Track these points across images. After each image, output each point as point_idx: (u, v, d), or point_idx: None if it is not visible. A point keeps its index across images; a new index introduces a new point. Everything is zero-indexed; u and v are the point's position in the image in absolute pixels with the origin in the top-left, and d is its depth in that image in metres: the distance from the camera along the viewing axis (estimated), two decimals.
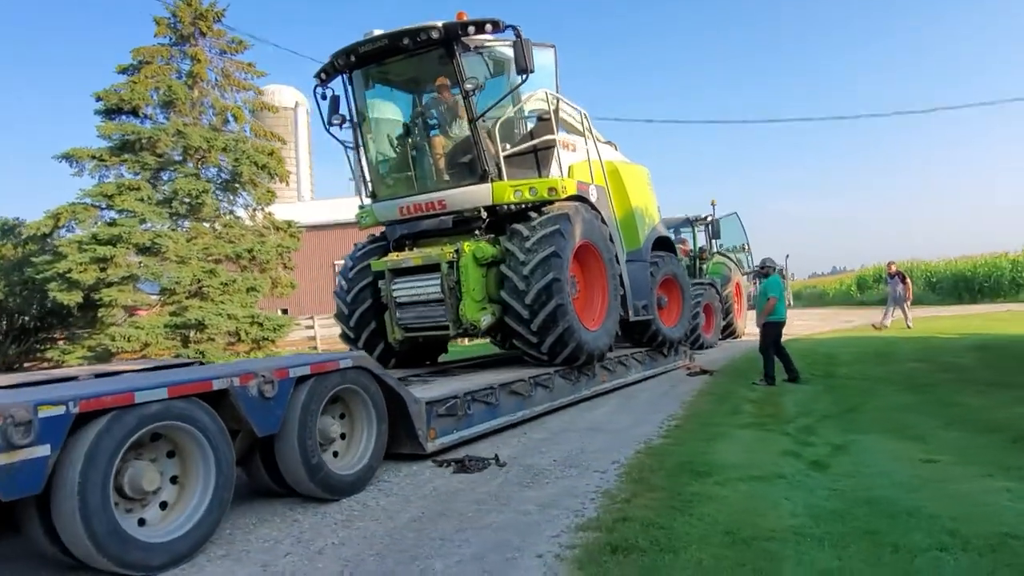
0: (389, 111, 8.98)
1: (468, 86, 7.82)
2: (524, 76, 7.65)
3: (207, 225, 20.98)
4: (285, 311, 25.87)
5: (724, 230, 17.53)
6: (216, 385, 4.08)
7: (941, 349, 12.89)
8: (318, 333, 24.28)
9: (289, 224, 23.30)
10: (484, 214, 8.27)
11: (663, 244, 11.52)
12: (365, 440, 5.24)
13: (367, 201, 9.64)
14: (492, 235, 8.35)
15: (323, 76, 8.75)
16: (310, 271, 33.34)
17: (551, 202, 8.29)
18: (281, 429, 4.51)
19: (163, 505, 3.94)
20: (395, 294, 8.39)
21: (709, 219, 17.61)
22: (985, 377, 9.77)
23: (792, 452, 5.95)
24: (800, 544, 3.81)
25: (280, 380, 4.48)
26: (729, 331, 16.78)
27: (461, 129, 8.35)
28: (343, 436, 5.21)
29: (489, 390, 6.74)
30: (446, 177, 8.39)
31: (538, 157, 8.41)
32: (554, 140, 8.37)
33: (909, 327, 17.66)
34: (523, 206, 8.27)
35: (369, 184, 9.08)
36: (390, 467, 5.68)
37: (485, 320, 7.95)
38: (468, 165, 8.25)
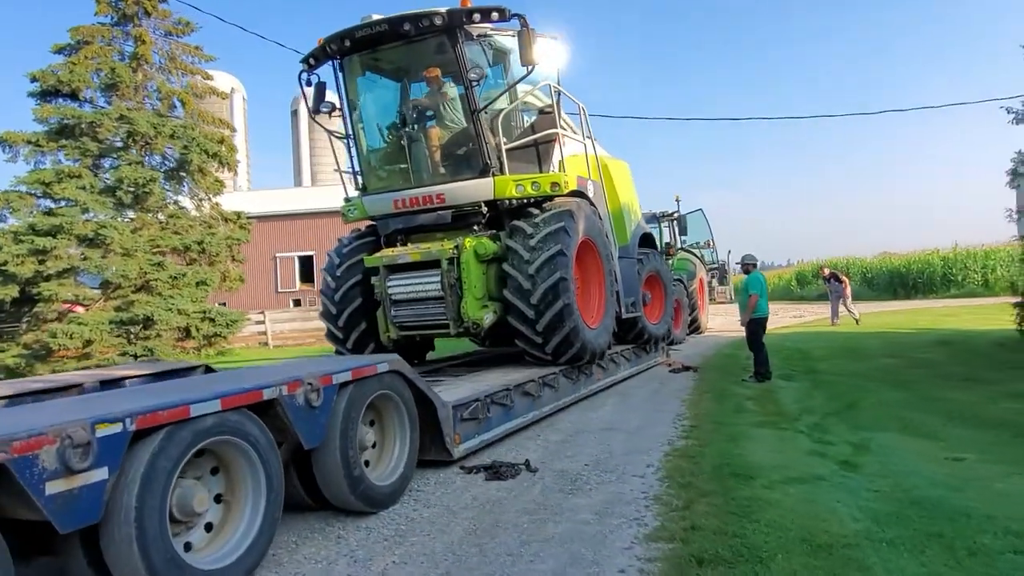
0: (381, 100, 8.62)
1: (472, 76, 7.55)
2: (530, 68, 7.42)
3: (152, 216, 19.96)
4: (223, 305, 24.88)
5: (689, 226, 17.71)
6: (266, 395, 3.75)
7: (906, 345, 13.32)
8: (269, 329, 23.44)
9: (238, 215, 22.47)
10: (484, 209, 8.02)
11: (646, 241, 11.49)
12: (399, 448, 4.96)
13: (353, 194, 9.25)
14: (492, 231, 8.09)
15: (311, 61, 8.32)
16: (249, 264, 32.28)
17: (551, 197, 8.10)
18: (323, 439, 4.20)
19: (208, 527, 3.60)
20: (391, 291, 8.04)
21: (676, 215, 17.75)
22: (958, 372, 10.11)
23: (816, 452, 5.95)
24: (878, 550, 3.76)
25: (324, 387, 4.16)
26: (694, 326, 16.96)
27: (460, 121, 8.07)
28: (373, 445, 4.91)
29: (505, 392, 6.52)
30: (444, 170, 8.10)
31: (539, 151, 8.21)
32: (556, 134, 8.18)
33: (857, 321, 18.28)
34: (524, 201, 8.06)
35: (359, 176, 8.68)
36: (416, 475, 5.40)
37: (488, 318, 7.71)
38: (468, 158, 7.98)
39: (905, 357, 11.71)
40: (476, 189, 7.90)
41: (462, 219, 8.11)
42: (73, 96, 19.58)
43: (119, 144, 19.75)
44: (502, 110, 7.90)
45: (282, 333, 23.71)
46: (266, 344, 23.24)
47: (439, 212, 8.04)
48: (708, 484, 4.94)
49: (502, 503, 4.76)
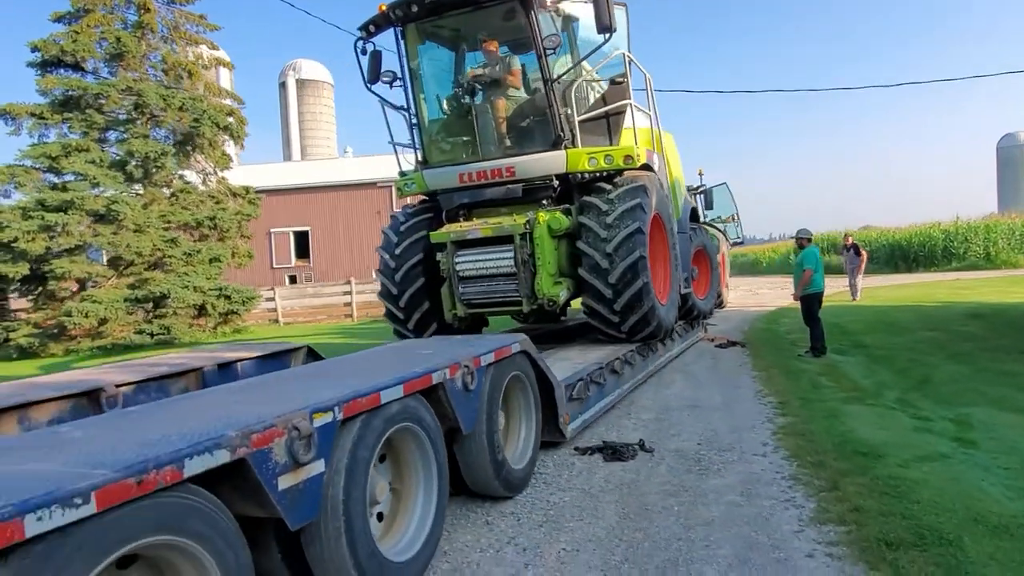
0: (444, 70, 8.34)
1: (547, 44, 7.30)
2: (608, 35, 7.18)
3: (161, 191, 19.50)
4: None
5: (715, 200, 17.55)
6: (434, 379, 3.58)
7: (939, 318, 13.34)
8: (279, 305, 23.11)
9: (247, 190, 22.06)
10: (555, 183, 7.82)
11: (692, 215, 11.36)
12: (524, 431, 4.82)
13: (408, 167, 9.00)
14: (564, 205, 7.90)
15: (371, 28, 8.02)
16: None
17: (621, 171, 7.91)
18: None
19: (378, 517, 3.44)
20: (458, 268, 7.84)
21: (701, 189, 17.58)
22: (1007, 345, 10.10)
23: (922, 428, 5.89)
24: None
25: (476, 369, 4.00)
26: (718, 301, 16.91)
27: (529, 91, 7.83)
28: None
29: (599, 369, 6.39)
30: (514, 143, 7.87)
31: (610, 123, 8.00)
32: (628, 105, 7.96)
33: (854, 299, 18.09)
34: (595, 175, 7.86)
35: (418, 149, 8.42)
36: None
37: (563, 295, 7.56)
38: (540, 130, 7.76)
39: (945, 330, 11.71)
40: (548, 162, 7.69)
41: (530, 193, 7.90)
42: (75, 67, 18.98)
43: (124, 117, 19.24)
44: (574, 80, 7.67)
45: (292, 310, 23.39)
46: (276, 321, 22.93)
47: (509, 186, 7.83)
48: (840, 463, 4.85)
49: (637, 485, 4.64)
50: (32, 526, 1.70)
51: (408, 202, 10.15)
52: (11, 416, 3.39)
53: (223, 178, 21.77)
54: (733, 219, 18.25)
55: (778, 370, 8.69)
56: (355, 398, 2.94)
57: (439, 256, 8.01)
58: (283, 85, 71.05)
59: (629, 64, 8.10)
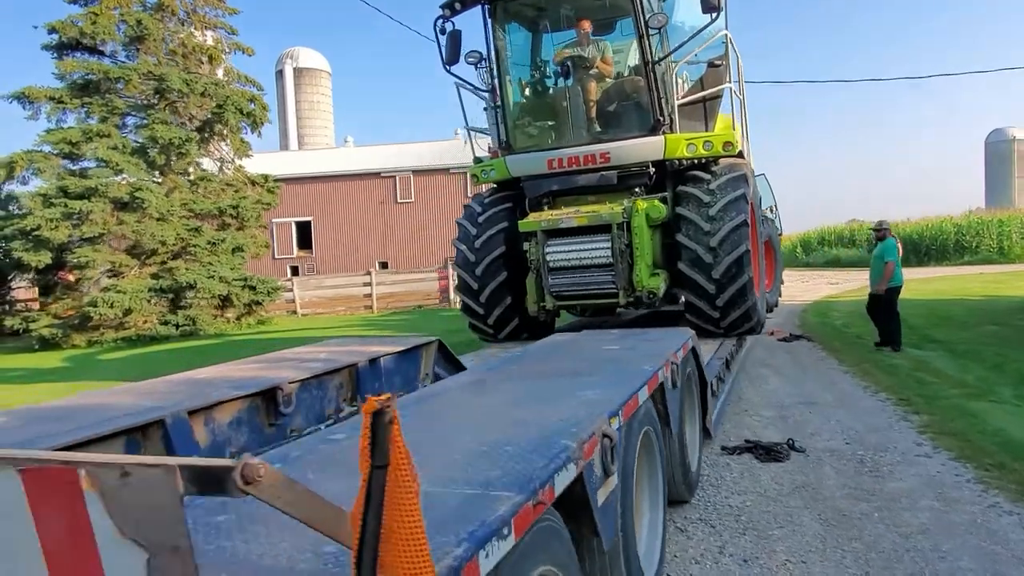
0: (532, 51, 8.00)
1: (653, 23, 6.97)
2: (715, 15, 6.87)
3: (183, 178, 19.03)
4: None
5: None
6: (659, 377, 3.28)
7: (991, 312, 13.19)
8: (297, 296, 22.71)
9: (266, 178, 21.61)
10: (652, 170, 7.51)
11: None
12: (689, 430, 4.51)
13: (482, 153, 8.67)
14: (659, 194, 7.59)
15: (456, 6, 7.66)
16: None
17: (716, 159, 7.61)
18: None
19: None
20: (549, 258, 7.50)
21: None
22: None
23: None
24: None
25: (678, 365, 3.70)
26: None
27: (623, 73, 7.51)
28: None
29: (723, 363, 6.11)
30: (609, 127, 7.55)
31: (706, 107, 7.69)
32: (726, 90, 7.67)
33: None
34: (690, 162, 7.56)
35: (501, 134, 8.08)
36: None
37: (662, 288, 7.27)
38: (638, 114, 7.44)
39: (1007, 325, 11.54)
40: (645, 148, 7.37)
41: (623, 180, 7.59)
42: (92, 50, 18.44)
43: (144, 102, 18.72)
44: (676, 62, 7.36)
45: (310, 301, 22.99)
46: (294, 313, 22.53)
47: (603, 172, 7.50)
48: (1020, 464, 4.60)
49: (814, 488, 4.37)
50: (484, 564, 1.39)
51: (480, 190, 9.81)
52: (196, 418, 3.06)
53: (240, 166, 21.31)
54: (771, 210, 18.07)
55: (869, 365, 8.44)
56: (627, 401, 2.64)
57: (526, 246, 7.67)
58: (280, 73, 70.18)
59: (730, 46, 7.79)
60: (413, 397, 3.05)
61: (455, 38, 8.01)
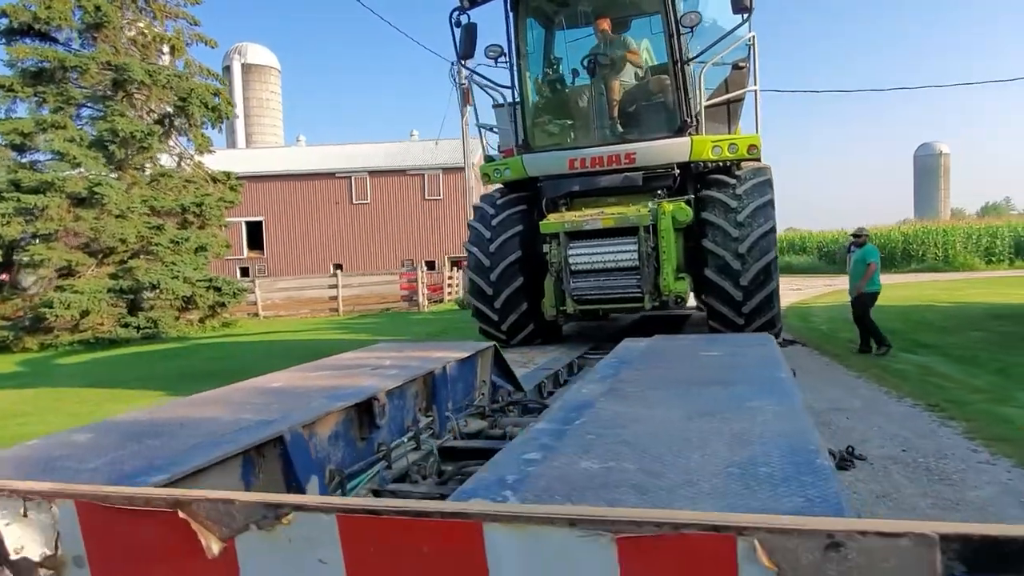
0: (555, 48, 7.79)
1: (685, 22, 6.86)
2: (746, 15, 6.81)
3: (143, 173, 18.14)
4: None
5: None
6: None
7: (965, 318, 13.56)
8: (259, 298, 21.90)
9: (228, 175, 20.80)
10: (676, 171, 7.39)
11: None
12: None
13: (493, 152, 8.42)
14: (684, 197, 7.47)
15: None
16: None
17: (738, 162, 7.54)
18: None
19: None
20: (572, 260, 7.30)
21: None
22: None
23: None
24: None
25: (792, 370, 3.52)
26: None
27: (651, 73, 7.38)
28: None
29: None
30: (635, 128, 7.40)
31: (729, 109, 7.62)
32: (751, 92, 7.61)
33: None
34: (714, 165, 7.47)
35: (520, 132, 7.84)
36: None
37: (689, 292, 7.15)
38: (665, 115, 7.31)
39: (989, 331, 11.84)
40: (671, 149, 7.26)
41: (647, 182, 7.45)
42: (46, 36, 17.40)
43: (100, 93, 17.76)
44: (704, 63, 7.26)
45: (272, 303, 22.21)
46: (256, 315, 21.72)
47: (628, 173, 7.35)
48: None
49: (894, 498, 4.26)
50: None
51: (487, 190, 9.54)
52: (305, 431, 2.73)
53: (200, 162, 20.46)
54: None
55: (878, 370, 8.47)
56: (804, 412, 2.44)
57: (546, 248, 7.46)
58: (227, 69, 68.14)
59: (751, 48, 7.74)
60: (563, 414, 2.74)
61: (470, 31, 7.75)
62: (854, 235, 10.76)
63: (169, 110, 18.68)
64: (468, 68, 7.87)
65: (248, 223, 43.67)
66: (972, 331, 11.88)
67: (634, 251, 7.07)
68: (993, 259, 31.64)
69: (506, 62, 7.71)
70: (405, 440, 3.55)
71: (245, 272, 40.59)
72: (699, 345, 4.34)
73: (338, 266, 42.03)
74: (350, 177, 44.24)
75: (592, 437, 2.21)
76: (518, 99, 7.75)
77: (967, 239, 32.23)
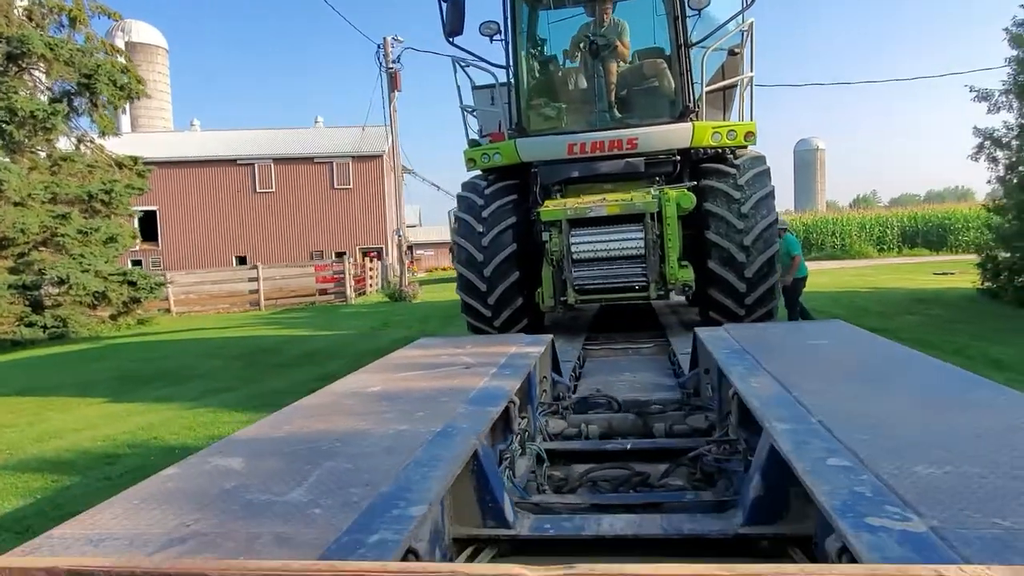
0: (556, 26, 7.49)
1: (693, 5, 6.73)
2: (751, 1, 6.77)
3: (41, 157, 16.47)
4: None
5: None
6: None
7: (894, 302, 14.36)
8: (171, 294, 20.42)
9: (135, 160, 19.23)
10: (677, 157, 7.28)
11: None
12: None
13: (477, 136, 8.05)
14: (684, 183, 7.37)
15: None
16: None
17: (734, 149, 7.52)
18: None
19: None
20: (574, 249, 7.03)
21: None
22: (995, 326, 10.99)
23: None
24: None
25: None
26: None
27: (653, 56, 7.23)
28: None
29: None
30: (637, 112, 7.22)
31: (725, 96, 7.59)
32: (746, 79, 7.59)
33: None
34: (717, 152, 7.41)
35: (514, 115, 7.51)
36: None
37: (693, 280, 7.07)
38: (667, 99, 7.18)
39: (922, 314, 12.56)
40: (673, 135, 7.12)
41: (648, 168, 7.30)
42: None
43: None
44: (708, 48, 7.16)
45: (186, 298, 20.77)
46: (168, 311, 20.24)
47: (629, 159, 7.16)
48: None
49: None
50: None
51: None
52: None
53: (101, 146, 18.82)
54: None
55: None
56: None
57: (545, 236, 7.15)
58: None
59: (745, 35, 7.71)
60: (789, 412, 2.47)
61: (458, 6, 7.34)
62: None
63: (69, 88, 17.02)
64: (456, 45, 7.45)
65: (140, 212, 40.89)
66: (907, 315, 12.55)
67: (640, 239, 6.89)
68: (884, 247, 33.98)
69: (501, 40, 7.36)
70: (516, 445, 3.21)
71: (138, 264, 37.92)
72: (787, 332, 4.20)
73: (241, 259, 40.02)
74: (253, 164, 42.11)
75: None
76: (512, 81, 7.42)
77: (861, 229, 34.44)
